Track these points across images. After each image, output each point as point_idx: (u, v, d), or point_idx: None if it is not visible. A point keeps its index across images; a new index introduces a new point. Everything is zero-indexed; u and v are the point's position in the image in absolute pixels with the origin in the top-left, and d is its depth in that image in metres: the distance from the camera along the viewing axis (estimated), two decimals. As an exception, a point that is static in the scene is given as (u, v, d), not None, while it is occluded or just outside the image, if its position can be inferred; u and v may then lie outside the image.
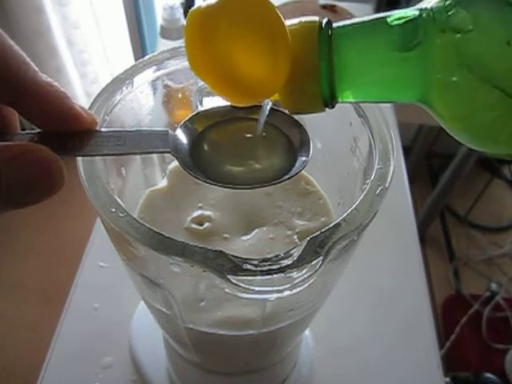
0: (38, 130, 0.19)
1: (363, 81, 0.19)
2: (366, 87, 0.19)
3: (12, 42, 0.17)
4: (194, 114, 0.22)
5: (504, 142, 0.17)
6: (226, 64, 0.18)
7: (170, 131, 0.21)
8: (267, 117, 0.22)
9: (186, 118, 0.22)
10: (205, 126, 0.22)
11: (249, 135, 0.22)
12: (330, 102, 0.19)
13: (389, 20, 0.18)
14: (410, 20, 0.17)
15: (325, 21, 0.19)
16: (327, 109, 0.20)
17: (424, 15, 0.17)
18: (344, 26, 0.18)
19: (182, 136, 0.21)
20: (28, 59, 0.17)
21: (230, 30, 0.18)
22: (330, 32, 0.18)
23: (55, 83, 0.18)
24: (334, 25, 0.19)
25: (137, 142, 0.20)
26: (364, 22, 0.18)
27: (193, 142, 0.21)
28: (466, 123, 0.17)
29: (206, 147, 0.22)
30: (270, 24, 0.18)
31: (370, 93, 0.19)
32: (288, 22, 0.19)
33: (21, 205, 0.16)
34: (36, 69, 0.18)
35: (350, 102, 0.21)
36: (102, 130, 0.20)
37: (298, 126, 0.22)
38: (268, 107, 0.21)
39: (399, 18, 0.17)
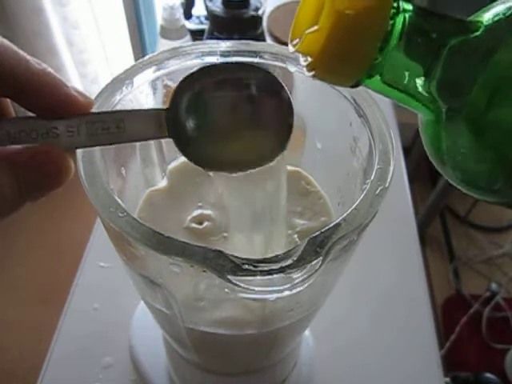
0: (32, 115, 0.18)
1: (392, 81, 0.19)
2: (392, 87, 0.19)
3: (0, 37, 0.17)
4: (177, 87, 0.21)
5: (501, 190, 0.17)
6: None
7: (164, 113, 0.20)
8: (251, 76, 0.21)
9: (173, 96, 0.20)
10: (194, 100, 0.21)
11: (238, 113, 0.21)
12: (359, 83, 0.19)
13: None
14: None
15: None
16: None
17: None
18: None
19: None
20: (19, 50, 0.17)
21: None
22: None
23: (49, 69, 0.18)
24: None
25: (134, 128, 0.19)
26: None
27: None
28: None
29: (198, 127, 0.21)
30: None
31: (392, 93, 0.20)
32: None
33: (34, 199, 0.18)
34: (28, 58, 0.17)
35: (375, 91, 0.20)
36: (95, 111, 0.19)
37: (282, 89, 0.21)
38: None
39: None
